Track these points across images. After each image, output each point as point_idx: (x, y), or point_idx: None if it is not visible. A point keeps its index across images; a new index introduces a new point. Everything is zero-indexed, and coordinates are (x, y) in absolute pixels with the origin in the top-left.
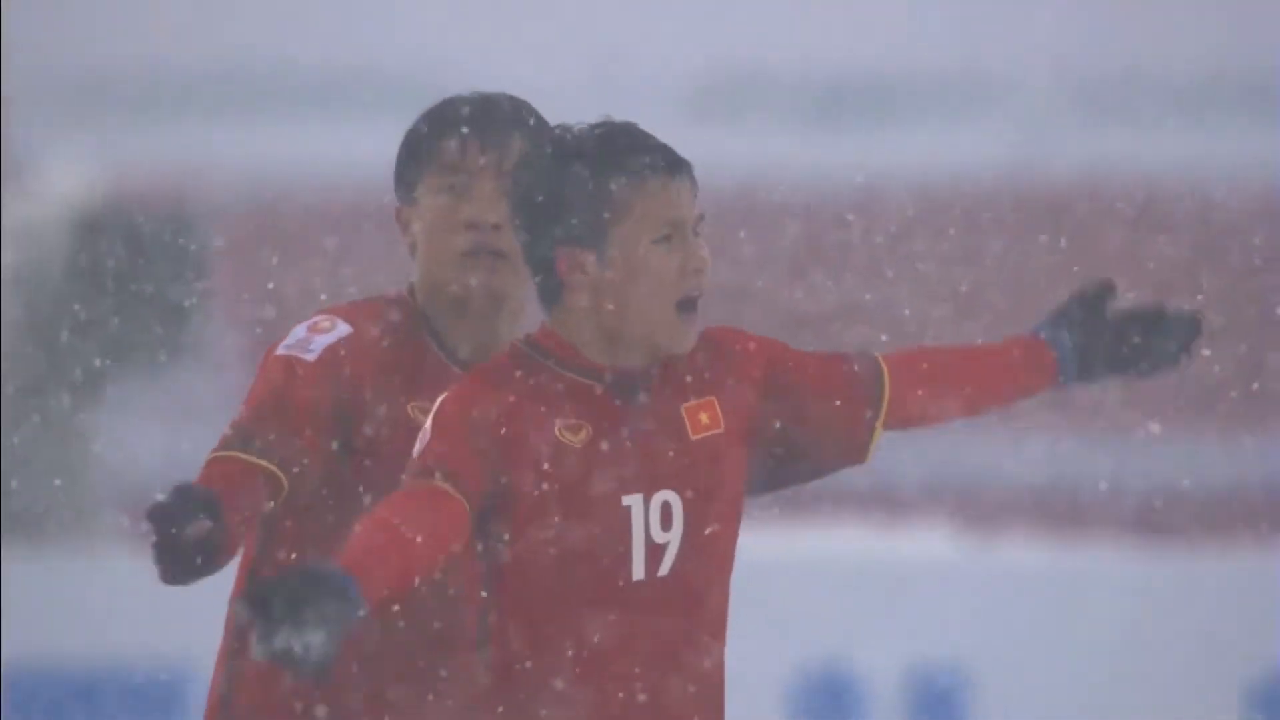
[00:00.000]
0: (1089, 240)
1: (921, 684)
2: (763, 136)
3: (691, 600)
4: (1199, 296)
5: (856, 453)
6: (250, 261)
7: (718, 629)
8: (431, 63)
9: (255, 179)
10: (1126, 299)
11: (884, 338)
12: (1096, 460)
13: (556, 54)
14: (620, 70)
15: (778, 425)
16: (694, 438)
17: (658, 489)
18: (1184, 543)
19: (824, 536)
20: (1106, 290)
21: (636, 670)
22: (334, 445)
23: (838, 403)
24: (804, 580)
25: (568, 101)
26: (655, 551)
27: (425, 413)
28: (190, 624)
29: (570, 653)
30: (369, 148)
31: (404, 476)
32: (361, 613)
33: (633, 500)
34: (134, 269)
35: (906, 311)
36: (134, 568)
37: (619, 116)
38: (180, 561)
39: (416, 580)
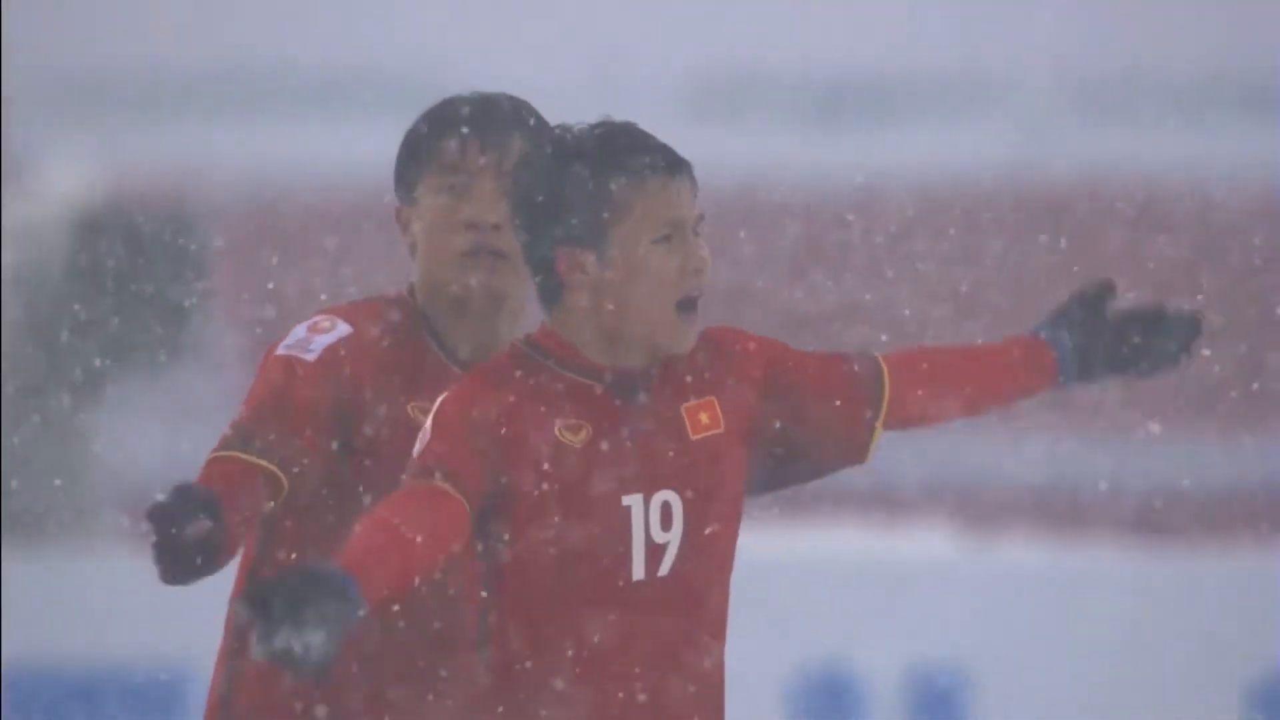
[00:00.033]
0: (1089, 240)
1: (921, 684)
2: (762, 136)
3: (691, 600)
4: (1199, 297)
5: (856, 453)
6: (250, 261)
7: (718, 629)
8: (431, 63)
9: (255, 179)
10: (1126, 299)
11: (884, 338)
12: (1096, 460)
13: (556, 54)
14: (619, 70)
15: (778, 425)
16: (694, 438)
17: (658, 489)
18: (1184, 543)
19: (824, 536)
20: (1106, 290)
21: (636, 670)
22: (334, 446)
23: (838, 403)
24: (804, 580)
25: (567, 101)
26: (655, 551)
27: (425, 413)
28: (190, 624)
29: (570, 653)
30: (369, 148)
31: (404, 476)
32: (361, 613)
33: (633, 500)
34: (134, 269)
35: (907, 311)
36: (134, 568)
37: (619, 116)
38: (180, 561)
39: (416, 580)
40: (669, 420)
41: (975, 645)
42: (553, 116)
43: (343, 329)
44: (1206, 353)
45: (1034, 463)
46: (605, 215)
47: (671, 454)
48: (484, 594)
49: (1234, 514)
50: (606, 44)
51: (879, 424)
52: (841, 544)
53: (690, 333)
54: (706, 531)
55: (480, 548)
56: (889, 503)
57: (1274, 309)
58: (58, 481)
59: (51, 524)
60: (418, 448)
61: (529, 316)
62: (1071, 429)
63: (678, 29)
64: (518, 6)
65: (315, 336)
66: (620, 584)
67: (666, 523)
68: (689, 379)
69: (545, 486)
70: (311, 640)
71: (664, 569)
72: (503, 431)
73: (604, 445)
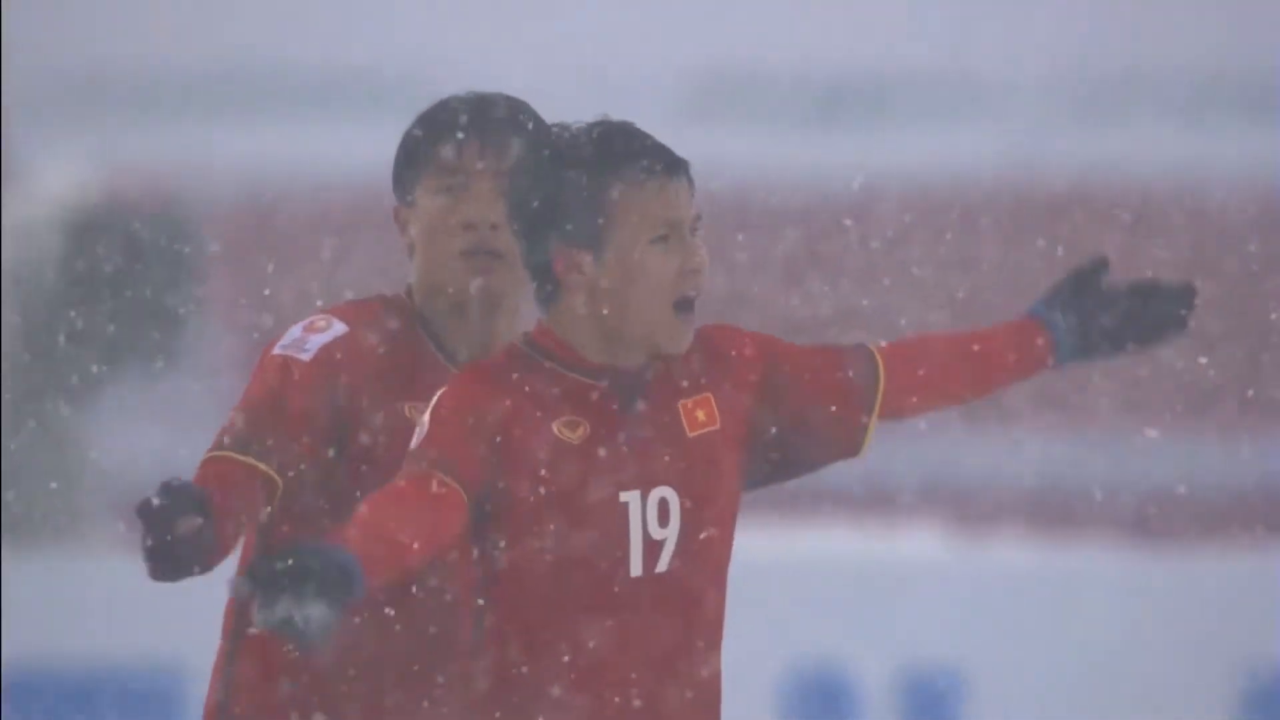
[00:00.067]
0: (1087, 243)
1: (915, 685)
2: (759, 137)
3: (689, 598)
4: (1196, 301)
5: (852, 445)
6: (247, 266)
7: (715, 626)
8: (430, 63)
9: (253, 180)
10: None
11: (882, 343)
12: (1090, 461)
13: (553, 54)
14: (617, 70)
15: (773, 421)
16: (691, 435)
17: (655, 485)
18: (1179, 544)
19: (818, 537)
20: (1100, 267)
21: (634, 666)
22: (330, 453)
23: (833, 396)
24: (798, 581)
25: (564, 101)
26: (653, 548)
27: (421, 414)
28: (189, 626)
29: (567, 657)
30: (368, 149)
31: (402, 468)
32: (360, 592)
33: (630, 497)
34: (130, 273)
35: (903, 321)
36: (131, 571)
37: (616, 116)
38: (169, 558)
39: (415, 565)
40: (666, 418)
41: (969, 646)
42: (550, 116)
43: (339, 329)
44: (1203, 360)
45: (1028, 464)
46: (602, 215)
47: (668, 451)
48: (480, 602)
49: (1229, 515)
50: (604, 44)
51: (874, 416)
52: (836, 545)
53: (687, 333)
54: (703, 527)
55: (476, 554)
56: (884, 504)
57: (1272, 311)
58: (54, 485)
59: (48, 529)
60: (415, 440)
61: (526, 316)
62: (1065, 430)
63: (675, 29)
64: (516, 6)
65: (311, 336)
66: (618, 581)
67: (664, 519)
68: (685, 377)
69: (543, 483)
70: (312, 613)
71: (661, 565)
72: (500, 436)
73: (601, 442)
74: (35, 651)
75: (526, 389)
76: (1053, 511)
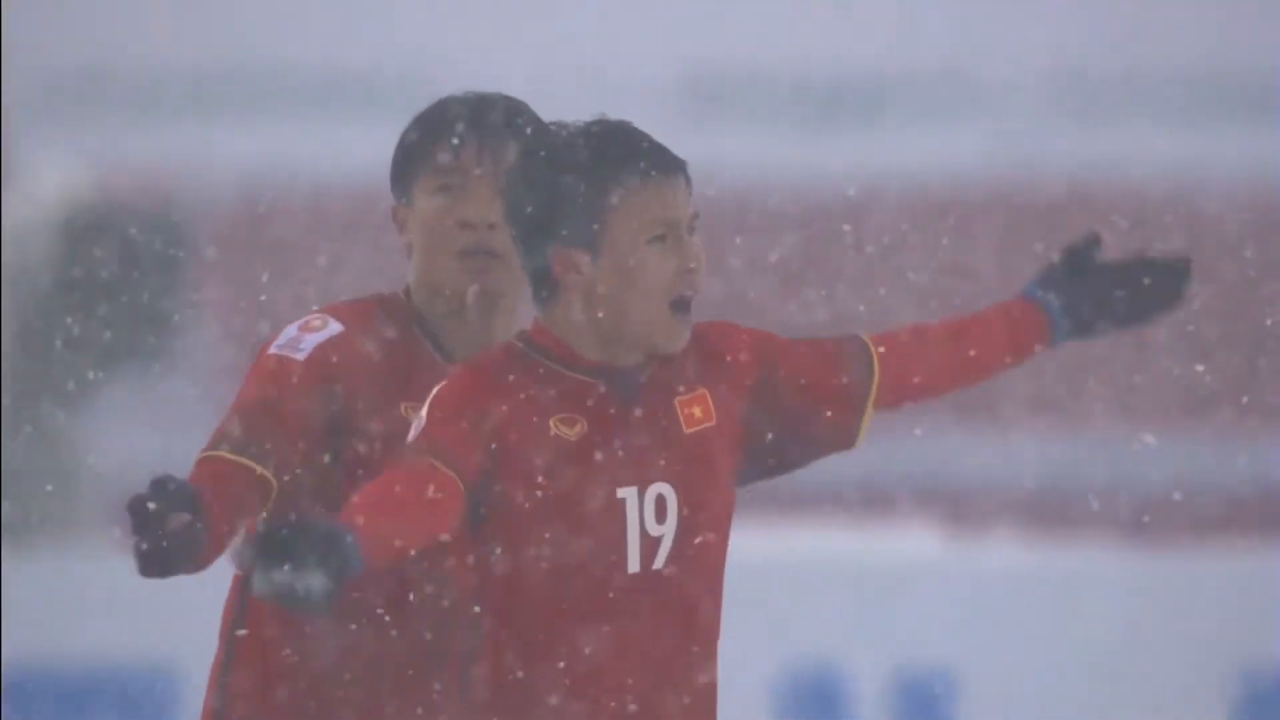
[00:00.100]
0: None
1: (910, 686)
2: (757, 138)
3: (686, 593)
4: (1194, 303)
5: (847, 438)
6: (245, 269)
7: (711, 632)
8: (431, 63)
9: (253, 181)
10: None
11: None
12: (1086, 462)
13: (553, 55)
14: (617, 70)
15: (769, 419)
16: (687, 431)
17: (652, 482)
18: (1175, 545)
19: (815, 538)
20: (1092, 243)
21: (631, 672)
22: (326, 452)
23: (828, 391)
24: (793, 581)
25: (564, 102)
26: (650, 544)
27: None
28: (188, 627)
29: (565, 657)
30: (368, 149)
31: (400, 459)
32: (359, 566)
33: (627, 493)
34: (127, 277)
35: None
36: (128, 574)
37: (613, 116)
38: (158, 554)
39: (412, 548)
40: (662, 414)
41: (965, 647)
42: (549, 117)
43: (334, 327)
44: (1200, 367)
45: (1024, 464)
46: (600, 215)
47: (665, 448)
48: (476, 608)
49: (1225, 517)
50: (603, 45)
51: (869, 407)
52: (832, 545)
53: (684, 332)
54: (700, 523)
55: (472, 560)
56: (880, 505)
57: (1272, 312)
58: (50, 488)
59: (45, 533)
60: (412, 433)
61: (524, 316)
62: (1061, 431)
63: (674, 30)
64: (516, 6)
65: (306, 335)
66: (615, 578)
67: (661, 515)
68: (681, 374)
69: (541, 481)
70: (312, 583)
71: (658, 562)
72: (496, 433)
73: (598, 439)
74: (34, 652)
75: (523, 387)
76: (1049, 512)
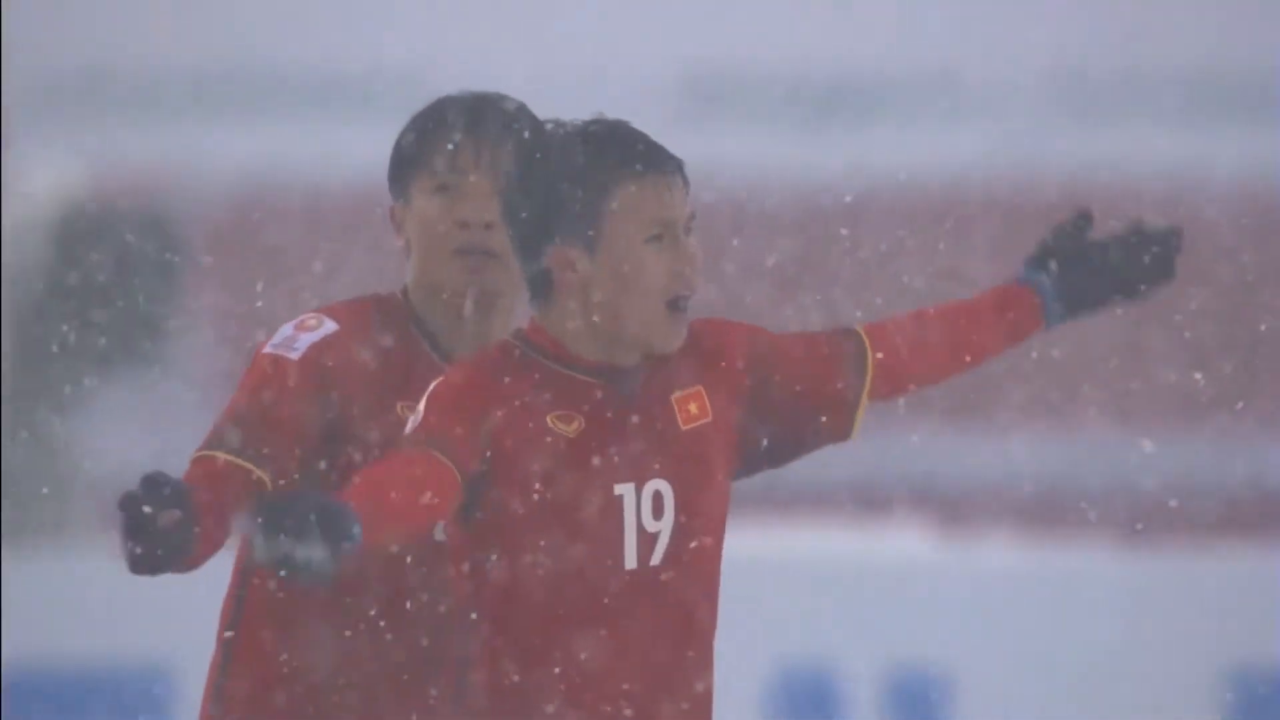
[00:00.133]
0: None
1: (905, 686)
2: (755, 138)
3: (683, 595)
4: (1192, 304)
5: (843, 430)
6: (241, 273)
7: (708, 626)
8: (431, 63)
9: (251, 182)
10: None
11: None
12: (1081, 462)
13: (553, 55)
14: (616, 71)
15: (765, 413)
16: (684, 428)
17: (649, 478)
18: (1171, 546)
19: (809, 538)
20: (1083, 221)
21: (627, 677)
22: (323, 452)
23: (822, 384)
24: (787, 581)
25: (563, 102)
26: (647, 540)
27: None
28: (186, 628)
29: (561, 662)
30: (367, 150)
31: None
32: (358, 539)
33: (624, 489)
34: (123, 282)
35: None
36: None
37: (611, 115)
38: (147, 552)
39: (409, 528)
40: (659, 411)
41: (960, 648)
42: (545, 115)
43: (329, 327)
44: (1196, 371)
45: (1019, 464)
46: (597, 215)
47: (662, 445)
48: (473, 614)
49: (1222, 517)
50: (602, 45)
51: (863, 398)
52: (825, 545)
53: (680, 332)
54: (697, 520)
55: (468, 565)
56: (875, 505)
57: (1270, 314)
58: (46, 492)
59: (41, 537)
60: (410, 427)
61: (521, 315)
62: (1056, 432)
63: (673, 30)
64: (516, 6)
65: (301, 335)
66: (612, 578)
67: (658, 511)
68: (677, 370)
69: (538, 478)
70: (312, 554)
71: (656, 558)
72: (493, 430)
73: (596, 437)
74: (33, 653)
75: (520, 387)
76: (1044, 513)
